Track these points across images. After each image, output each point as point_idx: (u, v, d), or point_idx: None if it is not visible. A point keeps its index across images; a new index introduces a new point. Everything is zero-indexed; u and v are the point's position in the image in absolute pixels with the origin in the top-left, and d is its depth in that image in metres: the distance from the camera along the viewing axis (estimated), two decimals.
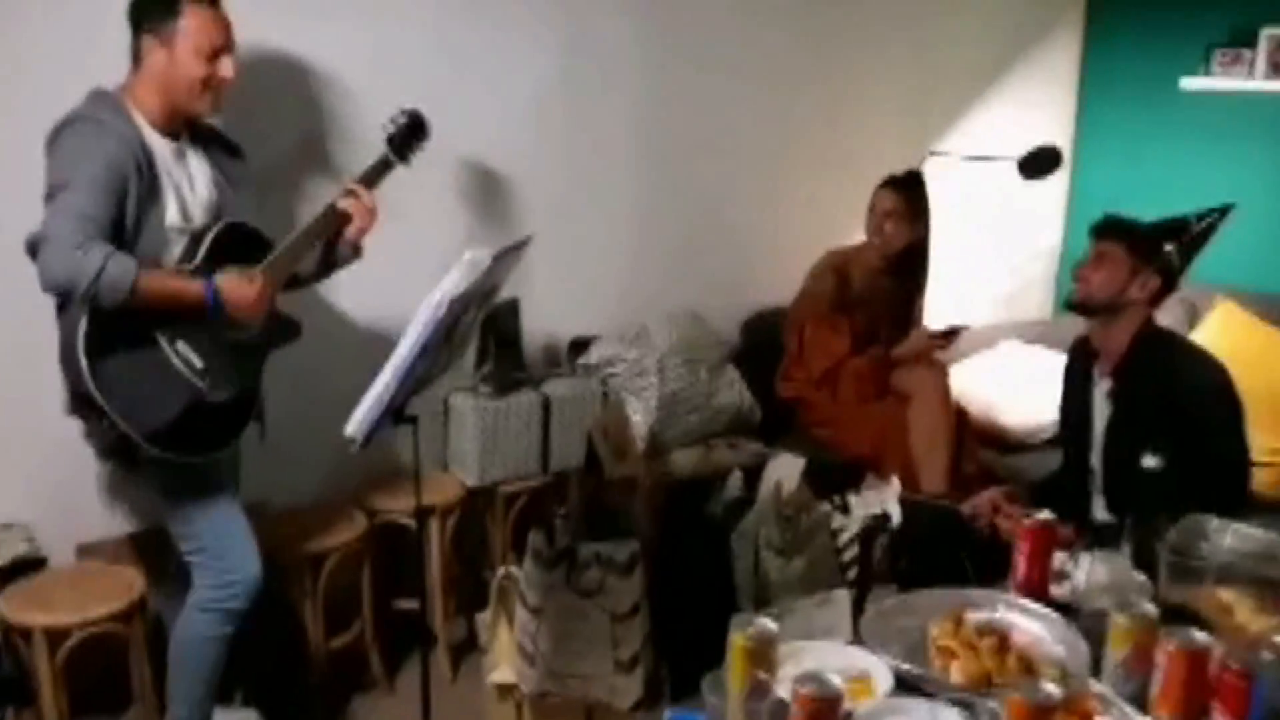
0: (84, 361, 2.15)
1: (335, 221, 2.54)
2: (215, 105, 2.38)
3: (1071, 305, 2.62)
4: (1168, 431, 2.47)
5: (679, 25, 3.60)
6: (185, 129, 2.40)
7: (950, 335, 3.67)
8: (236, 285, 2.32)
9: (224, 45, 2.34)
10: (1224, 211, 2.64)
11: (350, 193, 2.56)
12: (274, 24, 2.84)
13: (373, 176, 2.62)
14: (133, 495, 2.78)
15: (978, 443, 3.67)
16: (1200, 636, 1.52)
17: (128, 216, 2.23)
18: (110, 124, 2.24)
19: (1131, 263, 2.51)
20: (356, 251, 2.61)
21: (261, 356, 2.49)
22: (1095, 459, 2.68)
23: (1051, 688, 1.37)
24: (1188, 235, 2.60)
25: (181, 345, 2.29)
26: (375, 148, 2.66)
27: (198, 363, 2.30)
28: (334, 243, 2.57)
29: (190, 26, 2.28)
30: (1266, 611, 1.79)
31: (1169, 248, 2.55)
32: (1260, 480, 3.18)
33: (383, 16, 3.05)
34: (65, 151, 2.21)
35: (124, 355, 2.21)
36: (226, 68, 2.34)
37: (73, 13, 2.60)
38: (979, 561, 2.33)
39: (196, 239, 2.36)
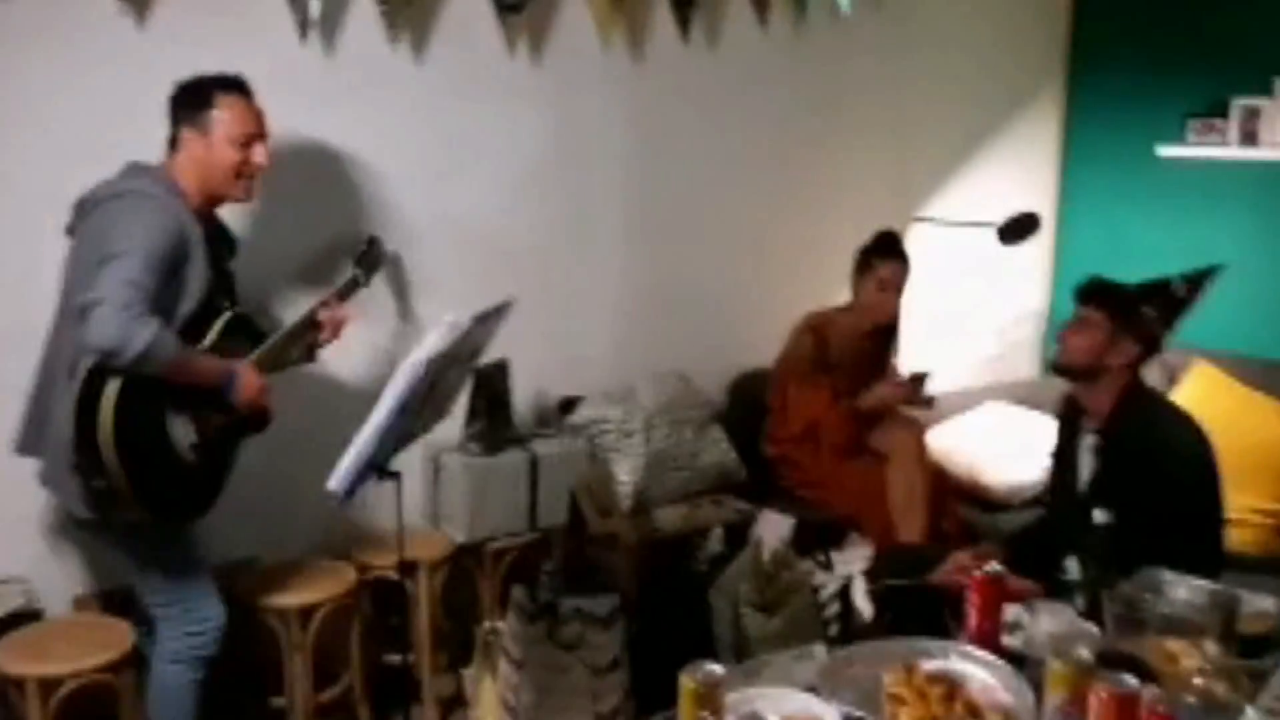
0: (110, 424, 2.19)
1: (312, 328, 2.68)
2: (249, 191, 2.48)
3: (1055, 368, 2.68)
4: (1146, 488, 2.49)
5: (665, 98, 3.70)
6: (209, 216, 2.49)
7: (916, 381, 3.71)
8: (250, 374, 2.42)
9: (257, 133, 2.45)
10: (1210, 273, 2.68)
11: (326, 304, 2.70)
12: (285, 113, 2.92)
13: (345, 293, 2.79)
14: None
15: (957, 501, 3.72)
16: (1130, 681, 1.57)
17: (170, 286, 2.29)
18: (164, 200, 2.32)
19: (1111, 330, 2.55)
20: (313, 356, 2.73)
21: (237, 439, 2.54)
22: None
23: None
24: (1172, 299, 2.65)
25: (181, 420, 2.36)
26: (370, 226, 2.89)
27: (192, 438, 2.38)
28: (313, 343, 2.70)
29: (224, 116, 2.39)
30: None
31: (1151, 314, 2.59)
32: (1239, 539, 3.23)
33: (385, 101, 3.16)
34: (118, 222, 2.26)
35: (140, 424, 2.26)
36: (260, 154, 2.45)
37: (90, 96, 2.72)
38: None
39: (203, 321, 2.42)
